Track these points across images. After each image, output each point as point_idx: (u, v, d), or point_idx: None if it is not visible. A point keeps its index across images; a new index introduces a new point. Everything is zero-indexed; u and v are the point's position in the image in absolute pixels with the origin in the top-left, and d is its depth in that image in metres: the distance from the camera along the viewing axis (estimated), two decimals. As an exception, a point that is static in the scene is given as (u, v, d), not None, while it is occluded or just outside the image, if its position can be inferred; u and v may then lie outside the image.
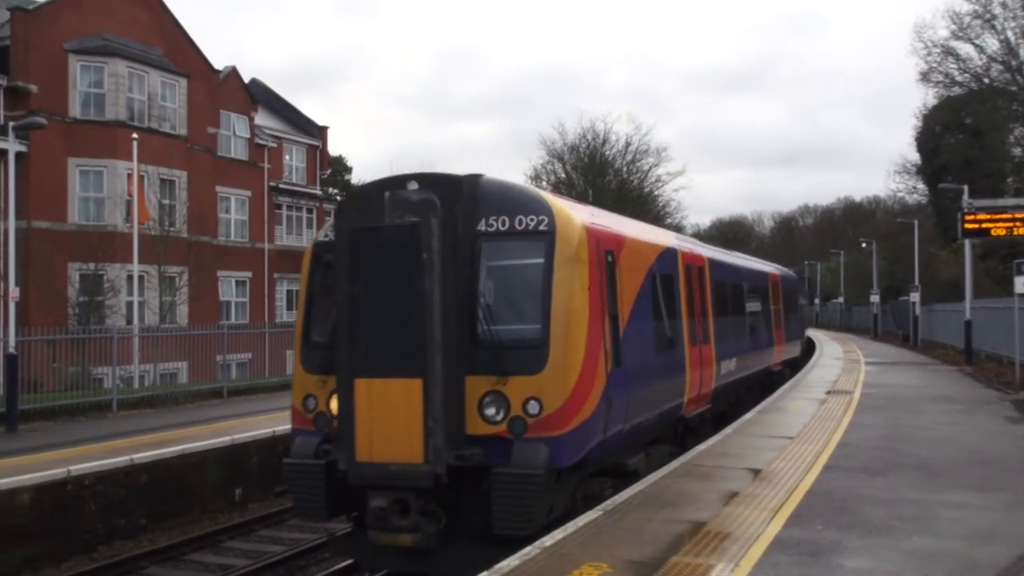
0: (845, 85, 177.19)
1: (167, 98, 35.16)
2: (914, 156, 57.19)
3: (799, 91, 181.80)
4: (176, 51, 36.47)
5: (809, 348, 41.19)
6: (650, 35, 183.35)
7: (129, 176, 30.80)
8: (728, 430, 15.40)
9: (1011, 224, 28.27)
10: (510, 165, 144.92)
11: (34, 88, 30.84)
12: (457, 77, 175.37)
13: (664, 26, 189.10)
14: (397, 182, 9.29)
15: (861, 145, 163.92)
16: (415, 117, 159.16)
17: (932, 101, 52.93)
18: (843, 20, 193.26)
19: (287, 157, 45.53)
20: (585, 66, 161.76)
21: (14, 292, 18.61)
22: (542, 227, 9.19)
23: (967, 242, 31.27)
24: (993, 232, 28.99)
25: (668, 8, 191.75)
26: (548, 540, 8.23)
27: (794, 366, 29.53)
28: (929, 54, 49.28)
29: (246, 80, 43.01)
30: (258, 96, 44.32)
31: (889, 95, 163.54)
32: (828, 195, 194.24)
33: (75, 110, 32.24)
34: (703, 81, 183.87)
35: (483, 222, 9.28)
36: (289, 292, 42.59)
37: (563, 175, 67.72)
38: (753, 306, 20.84)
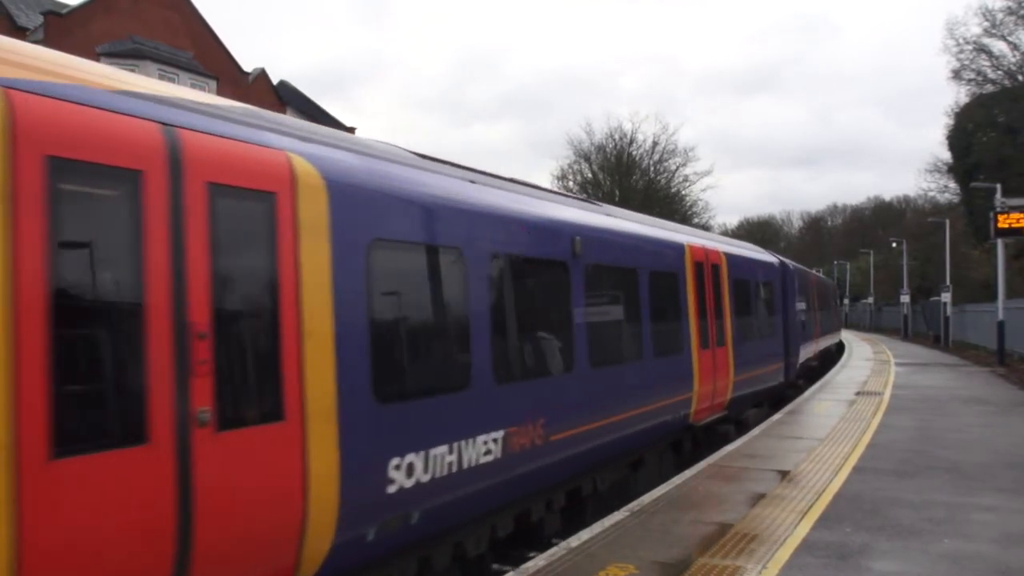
0: (861, 86, 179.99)
1: (197, 100, 35.59)
2: (945, 155, 56.49)
3: (815, 92, 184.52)
4: (205, 54, 36.87)
5: (837, 352, 40.88)
6: (663, 39, 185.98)
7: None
8: (755, 431, 15.31)
9: (1045, 223, 27.90)
10: (531, 166, 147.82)
11: (67, 91, 31.28)
12: (474, 81, 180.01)
13: (677, 30, 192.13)
14: None
15: (882, 144, 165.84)
16: (435, 120, 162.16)
17: (964, 99, 52.30)
18: (856, 23, 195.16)
19: (315, 158, 45.77)
20: (600, 70, 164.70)
21: None
22: None
23: (1000, 241, 30.84)
24: (1026, 231, 28.60)
25: (680, 12, 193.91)
26: (574, 540, 8.24)
27: (779, 399, 20.59)
28: (961, 51, 48.69)
29: (275, 82, 43.35)
30: (287, 98, 44.66)
31: (909, 95, 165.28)
32: (849, 195, 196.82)
33: (107, 112, 32.66)
34: (718, 84, 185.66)
35: None
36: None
37: (590, 175, 67.68)
38: (614, 311, 11.15)
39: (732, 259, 16.71)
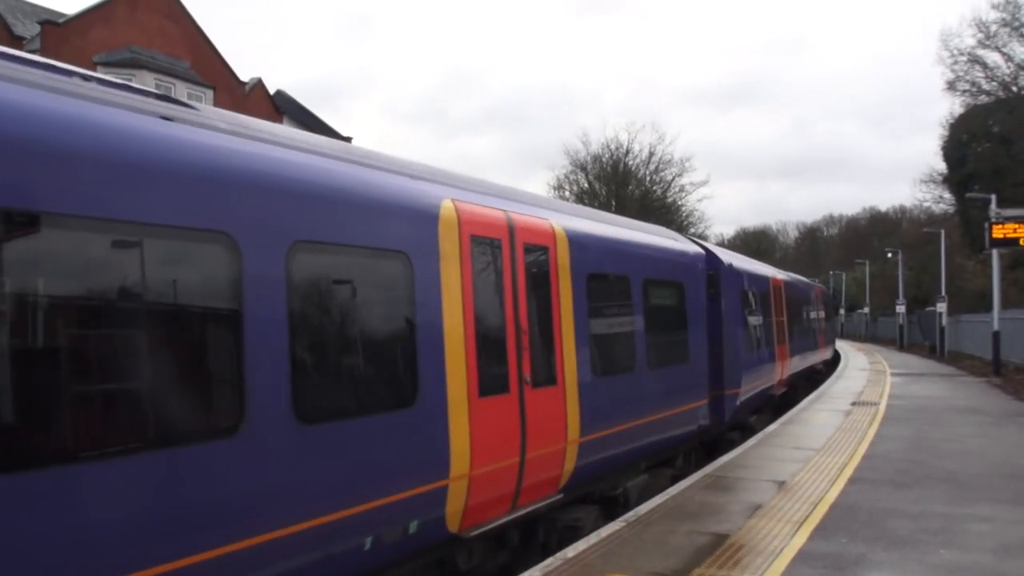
0: (841, 100, 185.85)
1: (193, 110, 35.64)
2: (940, 165, 56.77)
3: (794, 106, 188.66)
4: (203, 63, 36.93)
5: (835, 360, 40.88)
6: (644, 56, 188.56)
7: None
8: (751, 442, 15.30)
9: (1040, 234, 27.99)
10: (518, 176, 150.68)
11: (64, 100, 31.28)
12: (459, 95, 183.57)
13: (658, 47, 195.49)
14: None
15: (862, 155, 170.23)
16: (421, 132, 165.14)
17: (959, 110, 52.56)
18: (829, 40, 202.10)
19: (311, 167, 45.81)
20: (582, 85, 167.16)
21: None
22: None
23: (995, 252, 30.92)
24: (1022, 242, 28.72)
25: (661, 30, 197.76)
26: (570, 551, 8.22)
27: (713, 446, 15.61)
28: (955, 63, 48.92)
29: (272, 92, 43.39)
30: (284, 108, 44.71)
31: (886, 107, 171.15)
32: (832, 205, 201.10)
33: (103, 122, 32.67)
34: (698, 98, 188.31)
35: None
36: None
37: (586, 185, 67.80)
38: (149, 333, 4.88)
39: (580, 240, 9.99)
